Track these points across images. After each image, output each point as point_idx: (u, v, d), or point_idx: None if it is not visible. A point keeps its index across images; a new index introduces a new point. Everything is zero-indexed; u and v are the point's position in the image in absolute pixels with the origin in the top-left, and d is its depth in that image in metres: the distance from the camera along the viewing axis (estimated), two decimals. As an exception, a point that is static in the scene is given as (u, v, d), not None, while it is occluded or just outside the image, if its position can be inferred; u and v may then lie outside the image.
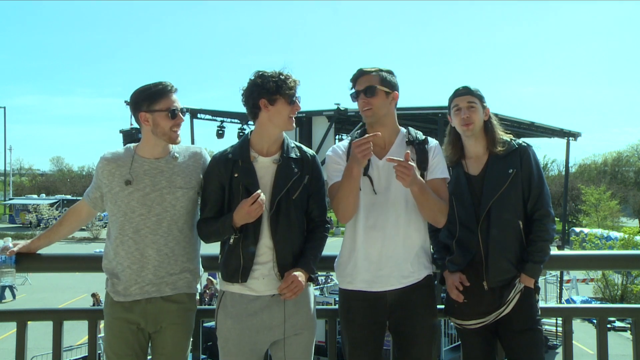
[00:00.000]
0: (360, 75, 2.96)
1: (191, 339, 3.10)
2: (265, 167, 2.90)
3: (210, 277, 19.98)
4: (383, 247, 2.88)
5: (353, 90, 2.97)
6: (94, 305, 18.75)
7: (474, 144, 3.09)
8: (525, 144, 3.08)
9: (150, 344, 3.02)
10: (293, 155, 2.94)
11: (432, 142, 3.01)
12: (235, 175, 2.87)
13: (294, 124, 2.91)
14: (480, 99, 3.06)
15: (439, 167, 2.96)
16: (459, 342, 3.20)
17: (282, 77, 2.84)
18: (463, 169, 3.10)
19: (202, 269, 3.16)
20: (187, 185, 2.98)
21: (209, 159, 3.07)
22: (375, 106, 2.92)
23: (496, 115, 3.17)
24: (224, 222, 2.82)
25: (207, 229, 2.94)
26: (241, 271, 2.84)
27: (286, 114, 2.87)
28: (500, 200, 2.96)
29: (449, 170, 3.06)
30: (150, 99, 2.90)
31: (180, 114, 2.94)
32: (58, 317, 3.48)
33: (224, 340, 2.91)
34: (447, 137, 3.19)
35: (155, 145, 2.99)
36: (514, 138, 3.12)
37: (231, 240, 2.86)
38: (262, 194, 2.74)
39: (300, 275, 2.79)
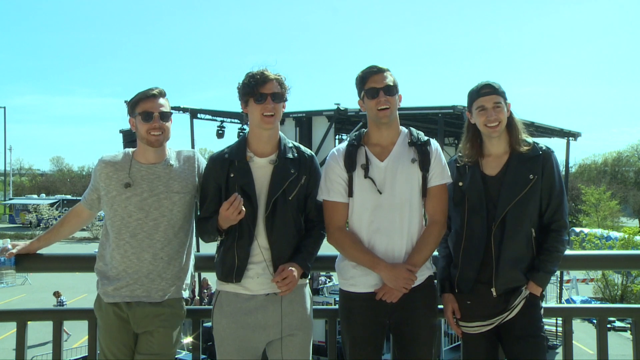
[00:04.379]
0: (377, 72, 2.89)
1: (182, 342, 3.10)
2: (261, 167, 2.90)
3: (205, 278, 20.10)
4: (387, 250, 2.87)
5: (369, 87, 2.88)
6: (57, 304, 18.93)
7: (496, 143, 2.97)
8: (549, 149, 2.97)
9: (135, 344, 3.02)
10: (290, 155, 2.93)
11: (434, 144, 2.98)
12: (231, 175, 2.87)
13: (272, 122, 2.85)
14: (504, 95, 2.94)
15: (440, 172, 2.92)
16: (459, 342, 3.17)
17: (251, 76, 2.84)
18: (479, 168, 2.99)
19: (194, 271, 3.18)
20: (183, 190, 3.00)
21: (203, 160, 3.09)
22: (392, 105, 2.89)
23: None
24: (211, 224, 2.84)
25: (201, 229, 2.97)
26: (235, 271, 2.84)
27: (257, 113, 2.85)
28: (517, 207, 2.86)
29: (465, 169, 3.00)
30: (133, 105, 2.98)
31: (157, 117, 2.93)
32: (58, 317, 3.48)
33: (220, 340, 2.92)
34: (465, 135, 3.07)
35: (146, 150, 3.01)
36: (536, 141, 3.00)
37: (217, 241, 2.88)
38: (240, 198, 2.72)
39: (294, 270, 2.80)
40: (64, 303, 19.56)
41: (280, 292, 2.79)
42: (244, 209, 2.73)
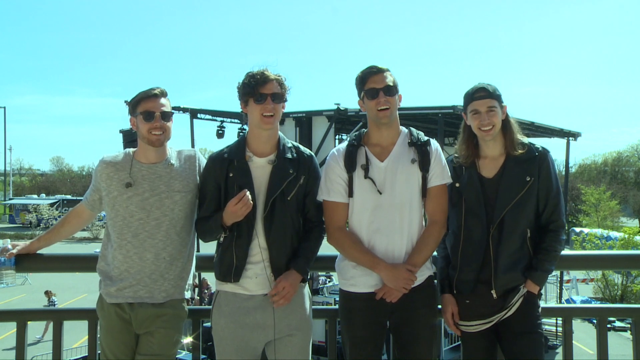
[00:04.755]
0: (376, 73, 2.89)
1: (182, 342, 3.10)
2: (260, 167, 2.90)
3: (204, 278, 20.13)
4: (387, 250, 2.87)
5: (369, 88, 2.88)
6: (48, 304, 18.91)
7: (491, 145, 2.98)
8: (545, 150, 2.97)
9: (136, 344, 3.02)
10: (289, 155, 2.93)
11: (434, 144, 2.98)
12: (231, 174, 2.88)
13: (271, 122, 2.86)
14: (499, 99, 2.94)
15: (440, 172, 2.93)
16: (459, 342, 3.18)
17: (251, 76, 2.84)
18: (476, 170, 3.00)
19: (195, 272, 3.18)
20: (185, 189, 3.00)
21: (203, 160, 3.09)
22: (393, 106, 2.89)
23: None
24: (215, 221, 2.84)
25: (202, 228, 2.97)
26: (234, 270, 2.85)
27: (257, 113, 2.85)
28: (515, 209, 2.87)
29: (461, 170, 3.01)
30: (135, 104, 2.98)
31: (159, 117, 2.94)
32: (58, 317, 3.48)
33: (219, 339, 2.92)
34: (460, 135, 3.08)
35: (147, 150, 3.01)
36: (532, 142, 3.01)
37: (221, 239, 2.88)
38: (248, 194, 2.74)
39: (292, 279, 2.81)
40: (55, 303, 19.51)
41: (276, 303, 2.80)
42: (251, 202, 2.76)
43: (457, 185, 2.99)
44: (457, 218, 2.98)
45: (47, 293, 19.98)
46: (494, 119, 2.91)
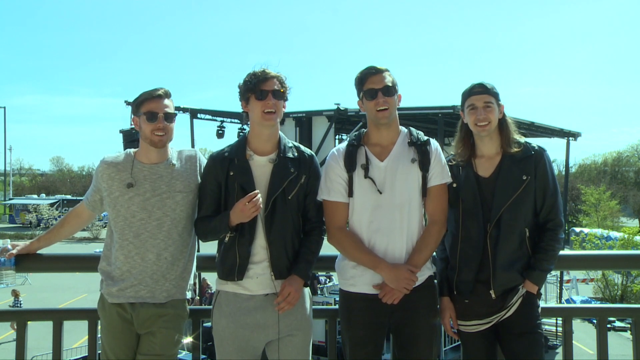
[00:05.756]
0: (375, 73, 2.90)
1: (183, 342, 3.11)
2: (261, 166, 2.91)
3: (204, 278, 20.17)
4: (387, 250, 2.87)
5: (368, 88, 2.89)
6: (14, 304, 18.98)
7: (487, 143, 3.00)
8: (541, 149, 2.98)
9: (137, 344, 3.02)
10: (290, 155, 2.93)
11: (434, 143, 2.98)
12: (231, 173, 2.88)
13: (273, 119, 2.87)
14: (496, 96, 2.96)
15: (440, 172, 2.93)
16: (459, 342, 3.18)
17: (252, 74, 2.86)
18: (473, 169, 3.01)
19: (196, 272, 3.18)
20: (186, 189, 3.00)
21: (204, 160, 3.09)
22: (392, 106, 2.89)
23: None
24: (221, 220, 2.83)
25: (203, 227, 2.96)
26: (237, 269, 2.85)
27: (258, 109, 2.85)
28: (512, 208, 2.87)
29: (458, 170, 3.02)
30: (138, 104, 2.98)
31: (162, 118, 2.94)
32: (58, 317, 3.49)
33: (220, 340, 2.92)
34: (457, 134, 3.10)
35: (149, 150, 3.01)
36: (528, 141, 3.01)
37: (226, 239, 2.87)
38: (259, 195, 2.74)
39: (296, 284, 2.82)
40: (21, 304, 19.55)
41: (281, 310, 2.80)
42: (261, 205, 2.76)
43: (455, 185, 2.99)
44: (455, 218, 2.99)
45: (14, 292, 20.05)
46: (491, 115, 2.92)
